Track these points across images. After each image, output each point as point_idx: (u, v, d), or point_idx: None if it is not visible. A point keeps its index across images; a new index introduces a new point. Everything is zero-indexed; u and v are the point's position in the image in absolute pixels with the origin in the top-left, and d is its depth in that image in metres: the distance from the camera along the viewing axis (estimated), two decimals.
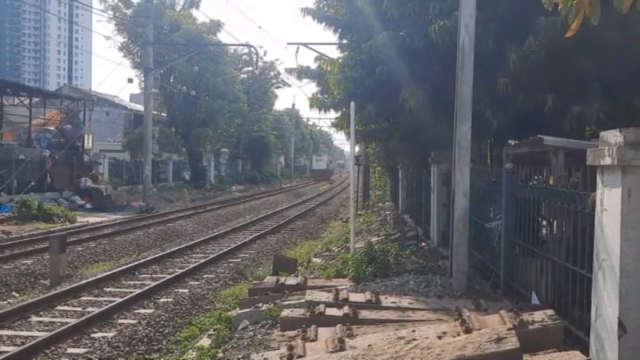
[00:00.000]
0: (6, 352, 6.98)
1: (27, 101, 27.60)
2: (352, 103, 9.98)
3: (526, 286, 6.19)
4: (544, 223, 6.42)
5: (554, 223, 5.98)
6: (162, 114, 41.14)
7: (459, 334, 4.11)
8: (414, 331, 4.37)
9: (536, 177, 6.40)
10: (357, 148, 22.13)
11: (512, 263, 6.65)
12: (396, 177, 21.94)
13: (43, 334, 7.64)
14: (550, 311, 4.57)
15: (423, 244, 11.68)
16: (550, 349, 4.18)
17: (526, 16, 7.57)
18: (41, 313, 8.94)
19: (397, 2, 9.06)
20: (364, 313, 5.62)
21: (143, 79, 30.12)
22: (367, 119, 12.47)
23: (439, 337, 4.08)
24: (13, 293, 10.74)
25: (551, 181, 6.25)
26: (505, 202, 6.63)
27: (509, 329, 3.72)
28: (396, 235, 12.93)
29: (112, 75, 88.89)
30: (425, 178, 12.84)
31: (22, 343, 7.34)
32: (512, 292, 6.50)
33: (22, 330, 8.10)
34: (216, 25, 40.81)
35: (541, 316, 4.44)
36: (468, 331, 4.15)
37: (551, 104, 7.32)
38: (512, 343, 3.57)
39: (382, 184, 29.34)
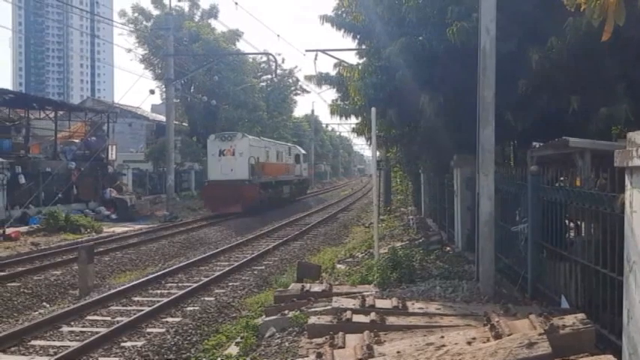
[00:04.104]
0: None
1: (52, 115, 28.18)
2: (373, 109, 10.00)
3: (555, 290, 6.13)
4: (571, 225, 6.36)
5: (582, 226, 5.92)
6: (184, 124, 41.61)
7: (488, 340, 4.09)
8: (442, 337, 4.36)
9: (561, 179, 6.34)
10: (377, 153, 22.09)
11: (539, 267, 6.58)
12: (418, 181, 21.85)
13: (75, 344, 7.78)
14: (581, 315, 4.51)
15: (448, 248, 11.61)
16: (582, 353, 4.12)
17: (547, 17, 7.52)
18: (72, 323, 9.10)
19: (416, 7, 9.09)
20: (391, 320, 5.61)
21: (164, 89, 30.53)
22: (388, 124, 12.49)
23: (469, 343, 4.06)
24: (44, 304, 10.95)
25: (577, 183, 6.19)
26: (531, 205, 6.58)
27: (540, 334, 3.69)
28: (420, 240, 12.87)
29: (134, 86, 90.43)
30: (448, 181, 12.78)
31: (55, 353, 7.48)
32: (541, 296, 6.43)
33: (54, 340, 8.25)
34: (234, 35, 41.22)
35: (572, 321, 4.39)
36: (497, 336, 4.12)
37: (576, 105, 7.24)
38: (544, 348, 3.55)
39: (404, 189, 29.22)
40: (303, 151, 42.26)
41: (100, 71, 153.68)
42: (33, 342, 8.08)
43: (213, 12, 41.47)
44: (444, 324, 5.48)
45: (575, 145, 6.32)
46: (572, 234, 6.34)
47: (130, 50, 37.83)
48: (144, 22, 37.79)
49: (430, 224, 16.86)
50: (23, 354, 7.67)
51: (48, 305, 10.84)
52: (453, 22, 8.13)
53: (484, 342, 4.00)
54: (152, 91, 32.56)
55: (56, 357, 7.20)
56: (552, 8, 6.79)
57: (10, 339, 8.01)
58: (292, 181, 36.80)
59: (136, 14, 37.71)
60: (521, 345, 3.57)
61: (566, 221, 6.18)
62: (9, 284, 11.54)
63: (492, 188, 7.09)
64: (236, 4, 26.62)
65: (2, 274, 12.49)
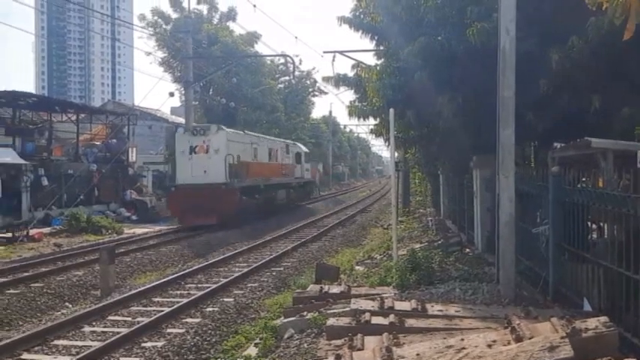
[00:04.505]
0: None
1: (74, 117, 28.62)
2: (391, 110, 9.97)
3: (577, 293, 6.05)
4: (594, 227, 6.27)
5: (605, 227, 5.83)
6: None
7: (509, 343, 4.05)
8: (462, 339, 4.32)
9: (583, 180, 6.26)
10: (396, 154, 22.02)
11: (561, 269, 6.50)
12: (437, 182, 21.73)
13: (97, 344, 7.88)
14: (604, 318, 4.44)
15: (467, 250, 11.52)
16: (605, 357, 4.06)
17: (567, 17, 7.44)
18: (94, 323, 9.22)
19: (435, 7, 9.06)
20: (410, 322, 5.59)
21: (184, 92, 30.81)
22: (407, 125, 12.45)
23: (489, 346, 4.03)
24: (67, 304, 11.12)
25: (600, 184, 6.10)
26: (552, 207, 6.50)
27: (562, 337, 3.65)
28: (439, 242, 12.80)
29: (154, 89, 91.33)
30: (467, 183, 12.68)
31: (77, 353, 7.59)
32: (563, 299, 6.36)
33: (76, 340, 8.37)
34: (252, 37, 41.44)
35: (594, 324, 4.32)
36: (518, 339, 4.08)
37: (598, 105, 7.14)
38: (565, 351, 3.50)
39: (423, 190, 29.08)
40: (305, 149, 36.45)
41: (121, 74, 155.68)
42: (56, 341, 8.20)
43: (231, 14, 41.77)
44: (463, 326, 5.44)
45: (597, 146, 6.24)
46: (594, 236, 6.26)
47: (149, 53, 38.25)
48: (163, 26, 38.19)
49: (449, 226, 16.75)
50: (46, 353, 7.80)
51: (70, 305, 11.00)
52: (473, 23, 8.09)
53: (505, 345, 3.96)
54: (171, 94, 32.94)
55: (78, 357, 7.30)
56: (572, 8, 6.71)
57: (34, 338, 8.16)
58: (290, 185, 31.79)
59: (155, 18, 38.16)
60: (542, 348, 3.53)
61: (589, 223, 6.10)
62: (32, 285, 11.74)
63: (513, 189, 7.02)
64: (254, 6, 26.78)
65: (26, 274, 12.72)
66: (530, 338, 3.97)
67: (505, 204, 6.98)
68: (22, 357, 7.61)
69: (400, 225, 18.98)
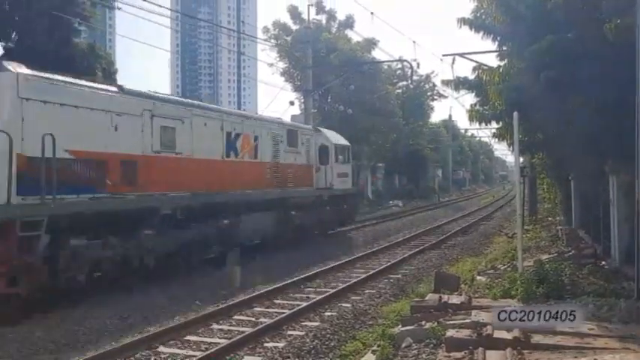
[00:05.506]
0: (193, 356, 7.78)
1: None
2: (515, 113, 9.54)
3: None
4: None
5: None
6: None
7: None
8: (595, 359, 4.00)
9: None
10: (521, 159, 20.90)
11: None
12: (568, 189, 20.30)
13: (223, 342, 8.35)
14: None
15: (603, 262, 10.65)
16: None
17: None
18: (221, 321, 9.77)
19: (563, 3, 8.51)
20: (537, 338, 5.29)
21: (303, 100, 31.76)
22: (532, 129, 11.80)
23: None
24: (197, 302, 11.89)
25: None
26: None
27: None
28: (570, 253, 11.96)
29: (275, 98, 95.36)
30: (602, 189, 11.73)
31: (206, 349, 8.09)
32: None
33: (205, 336, 8.92)
34: (370, 44, 41.64)
35: None
36: None
37: None
38: None
39: (551, 197, 27.33)
40: (338, 141, 22.06)
41: (245, 85, 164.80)
42: (188, 337, 8.80)
43: (349, 22, 42.30)
44: (597, 346, 5.04)
45: None
46: None
47: (271, 64, 39.95)
48: (284, 37, 39.67)
49: (582, 236, 15.58)
50: (179, 348, 8.38)
51: (200, 304, 11.73)
52: (608, 18, 7.49)
53: None
54: (292, 103, 34.09)
55: (207, 352, 7.78)
56: None
57: (169, 333, 8.83)
58: (289, 201, 18.25)
59: (277, 30, 39.75)
60: None
61: None
62: (169, 283, 12.72)
63: None
64: (372, 13, 27.01)
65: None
66: None
67: None
68: (159, 349, 8.26)
69: (526, 234, 17.99)
